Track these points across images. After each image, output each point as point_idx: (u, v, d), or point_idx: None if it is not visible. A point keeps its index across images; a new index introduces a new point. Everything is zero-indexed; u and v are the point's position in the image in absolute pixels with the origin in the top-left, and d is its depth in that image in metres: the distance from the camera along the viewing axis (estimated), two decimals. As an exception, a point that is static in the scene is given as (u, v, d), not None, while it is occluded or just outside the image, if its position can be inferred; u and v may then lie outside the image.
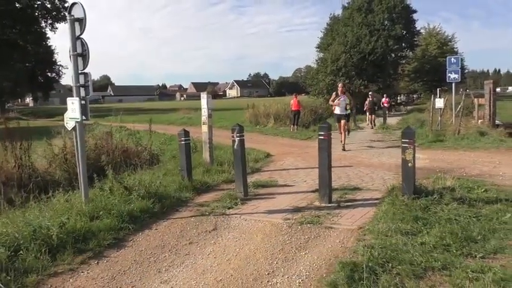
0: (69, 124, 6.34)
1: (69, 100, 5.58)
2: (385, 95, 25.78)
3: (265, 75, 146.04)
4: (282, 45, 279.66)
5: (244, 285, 3.63)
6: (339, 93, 12.30)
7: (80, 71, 5.56)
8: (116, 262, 4.29)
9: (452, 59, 15.25)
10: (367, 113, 20.96)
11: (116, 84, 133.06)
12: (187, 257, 4.38)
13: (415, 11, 41.15)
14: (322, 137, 6.12)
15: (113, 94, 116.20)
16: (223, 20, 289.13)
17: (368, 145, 13.38)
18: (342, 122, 12.30)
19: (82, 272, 4.05)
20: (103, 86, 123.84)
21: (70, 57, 5.54)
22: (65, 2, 46.09)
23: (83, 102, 5.52)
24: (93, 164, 7.82)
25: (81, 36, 5.52)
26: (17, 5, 43.32)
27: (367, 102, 21.16)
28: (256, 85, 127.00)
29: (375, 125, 20.25)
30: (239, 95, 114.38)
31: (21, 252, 4.16)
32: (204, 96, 9.44)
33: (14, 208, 5.60)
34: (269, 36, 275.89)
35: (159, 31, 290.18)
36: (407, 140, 5.66)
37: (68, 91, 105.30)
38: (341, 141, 12.18)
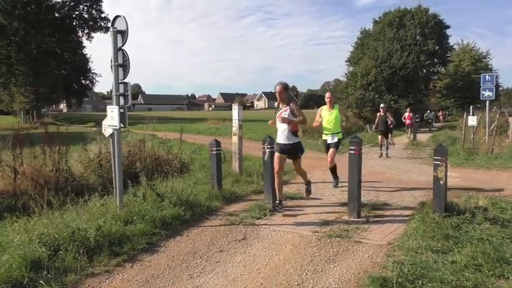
0: (107, 131, 6.61)
1: (108, 108, 5.81)
2: (408, 110, 22.40)
3: (293, 88, 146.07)
4: (310, 58, 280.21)
5: (274, 295, 3.70)
6: (279, 102, 6.89)
7: (120, 81, 5.79)
8: (150, 266, 4.43)
9: (487, 77, 15.00)
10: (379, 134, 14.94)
11: (146, 93, 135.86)
12: (218, 264, 4.48)
13: (448, 27, 40.81)
14: (352, 152, 6.16)
15: (143, 102, 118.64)
16: (252, 32, 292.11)
17: (397, 161, 13.25)
18: (280, 160, 6.68)
19: (117, 274, 4.20)
20: (134, 94, 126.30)
21: (111, 67, 5.78)
22: (102, 12, 47.94)
23: (121, 110, 5.74)
24: (126, 171, 8.05)
25: (122, 48, 5.76)
26: (57, 15, 45.15)
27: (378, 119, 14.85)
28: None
29: (386, 149, 14.57)
30: (267, 106, 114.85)
31: (60, 252, 4.36)
32: (235, 107, 9.61)
33: (52, 210, 5.83)
34: (297, 49, 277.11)
35: (189, 43, 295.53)
36: (439, 158, 5.63)
37: (100, 98, 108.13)
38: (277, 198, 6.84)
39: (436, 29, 39.18)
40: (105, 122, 6.65)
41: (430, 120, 34.67)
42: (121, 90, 5.82)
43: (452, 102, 50.03)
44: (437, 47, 39.66)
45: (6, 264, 3.92)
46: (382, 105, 15.37)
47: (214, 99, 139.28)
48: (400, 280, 3.70)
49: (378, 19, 41.39)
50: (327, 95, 9.03)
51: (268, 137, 7.05)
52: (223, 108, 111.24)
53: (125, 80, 5.83)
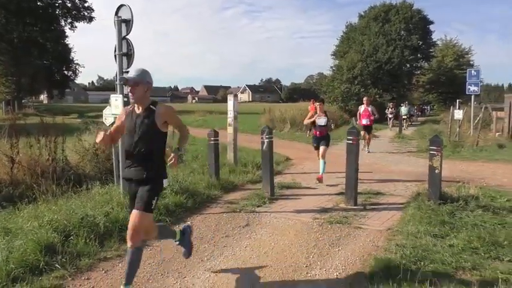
0: (108, 120, 6.65)
1: (112, 97, 5.88)
2: (365, 100, 13.72)
3: (277, 81, 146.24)
4: (294, 51, 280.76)
5: (285, 276, 3.86)
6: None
7: (124, 70, 5.84)
8: (159, 251, 4.54)
9: (473, 72, 15.44)
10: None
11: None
12: (226, 248, 4.62)
13: (432, 22, 41.37)
14: (350, 142, 6.35)
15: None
16: (236, 24, 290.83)
17: (385, 154, 13.54)
18: None
19: (129, 258, 4.30)
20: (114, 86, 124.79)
21: (115, 56, 5.84)
22: (85, 1, 47.10)
23: (125, 99, 5.79)
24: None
25: (126, 37, 5.81)
26: (39, 4, 44.26)
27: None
28: (267, 90, 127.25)
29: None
30: (250, 99, 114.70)
31: (71, 237, 4.44)
32: (230, 98, 9.71)
33: (55, 198, 5.86)
34: (282, 42, 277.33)
35: (173, 34, 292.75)
36: (435, 148, 5.87)
37: (82, 90, 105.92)
38: None
39: (420, 24, 39.72)
40: (106, 111, 6.70)
41: (404, 117, 25.55)
42: (125, 79, 5.86)
43: (434, 97, 50.82)
44: (420, 42, 40.21)
45: (20, 249, 3.98)
46: (317, 103, 9.17)
47: (198, 92, 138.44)
48: (403, 261, 3.90)
49: (363, 13, 41.77)
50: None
51: (267, 127, 7.19)
52: (207, 100, 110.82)
53: (129, 69, 5.87)
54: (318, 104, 8.92)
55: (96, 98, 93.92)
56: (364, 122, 13.25)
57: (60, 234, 4.39)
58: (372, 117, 13.19)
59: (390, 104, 25.08)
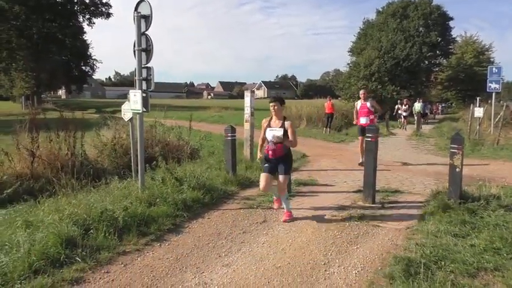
0: (127, 115, 6.73)
1: (131, 92, 5.91)
2: (361, 92, 10.44)
3: (293, 77, 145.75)
4: (309, 48, 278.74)
5: (303, 273, 3.84)
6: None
7: (143, 65, 5.87)
8: (177, 246, 4.57)
9: (494, 69, 15.15)
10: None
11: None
12: (243, 244, 4.62)
13: (451, 18, 40.54)
14: (369, 139, 6.28)
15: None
16: (251, 20, 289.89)
17: (404, 151, 13.39)
18: None
19: (148, 253, 4.34)
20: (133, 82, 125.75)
21: (134, 52, 5.87)
22: (104, -3, 47.55)
23: (144, 95, 5.82)
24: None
25: (146, 32, 5.83)
26: (58, 0, 44.86)
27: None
28: (283, 87, 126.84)
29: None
30: (266, 95, 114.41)
31: (91, 231, 4.49)
32: (247, 94, 9.69)
33: (74, 192, 5.94)
34: (297, 38, 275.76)
35: (188, 30, 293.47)
36: (455, 146, 5.76)
37: (99, 85, 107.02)
38: None
39: (439, 20, 39.02)
40: (125, 107, 6.76)
41: (421, 113, 23.12)
42: (144, 74, 5.90)
43: (453, 94, 49.93)
44: (439, 39, 39.48)
45: (41, 242, 4.05)
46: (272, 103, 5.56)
47: (213, 88, 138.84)
48: (423, 261, 3.84)
49: (381, 9, 41.27)
50: None
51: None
52: (222, 96, 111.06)
53: (148, 65, 5.90)
54: (272, 103, 5.44)
55: (113, 93, 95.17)
56: (363, 121, 9.92)
57: (80, 227, 4.46)
58: (373, 116, 10.03)
59: (404, 101, 23.70)
